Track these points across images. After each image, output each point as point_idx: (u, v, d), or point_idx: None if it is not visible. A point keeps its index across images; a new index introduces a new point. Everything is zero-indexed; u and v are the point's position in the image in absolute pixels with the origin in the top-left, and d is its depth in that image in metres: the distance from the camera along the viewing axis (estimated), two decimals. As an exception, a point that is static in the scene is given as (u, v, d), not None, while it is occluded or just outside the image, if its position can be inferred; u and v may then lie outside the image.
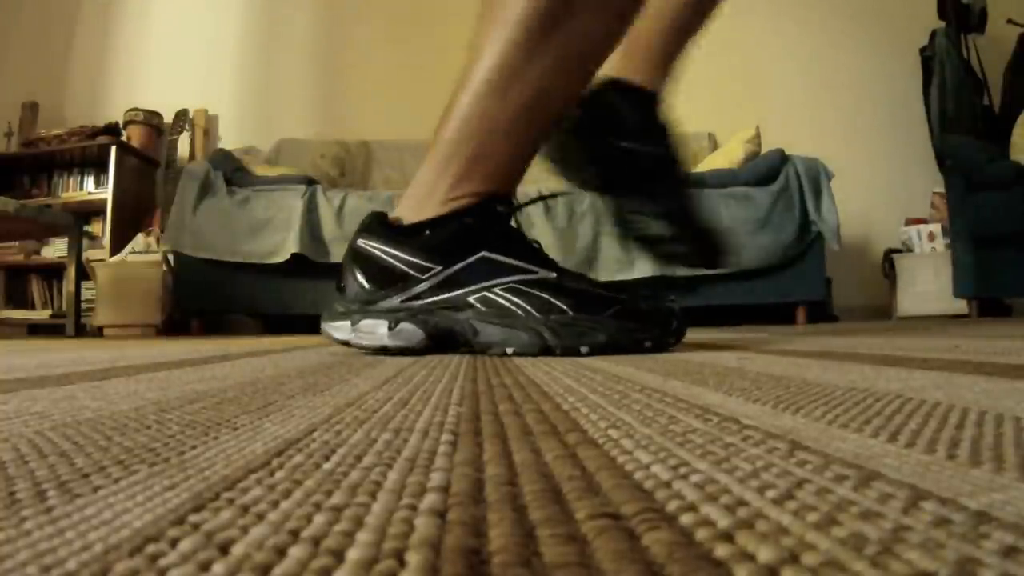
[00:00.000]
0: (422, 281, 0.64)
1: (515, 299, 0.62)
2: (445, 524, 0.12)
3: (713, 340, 0.86)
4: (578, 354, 0.59)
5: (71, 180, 3.18)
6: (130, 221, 2.96)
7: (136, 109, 3.16)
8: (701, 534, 0.11)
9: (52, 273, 3.08)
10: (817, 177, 2.36)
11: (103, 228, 2.97)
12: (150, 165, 3.19)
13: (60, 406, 0.29)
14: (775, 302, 2.37)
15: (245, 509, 0.13)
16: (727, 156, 2.62)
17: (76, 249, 2.45)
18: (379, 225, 0.67)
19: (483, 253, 0.63)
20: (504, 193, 0.67)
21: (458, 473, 0.15)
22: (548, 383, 0.35)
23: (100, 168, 3.08)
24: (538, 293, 0.61)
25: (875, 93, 3.22)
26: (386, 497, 0.14)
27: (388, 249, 0.65)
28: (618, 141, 0.81)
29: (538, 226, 2.28)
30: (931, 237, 2.74)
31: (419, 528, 0.11)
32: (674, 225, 0.83)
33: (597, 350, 0.59)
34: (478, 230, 0.64)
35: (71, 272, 2.43)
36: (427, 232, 0.64)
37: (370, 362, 0.56)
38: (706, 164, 2.69)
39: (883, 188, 3.11)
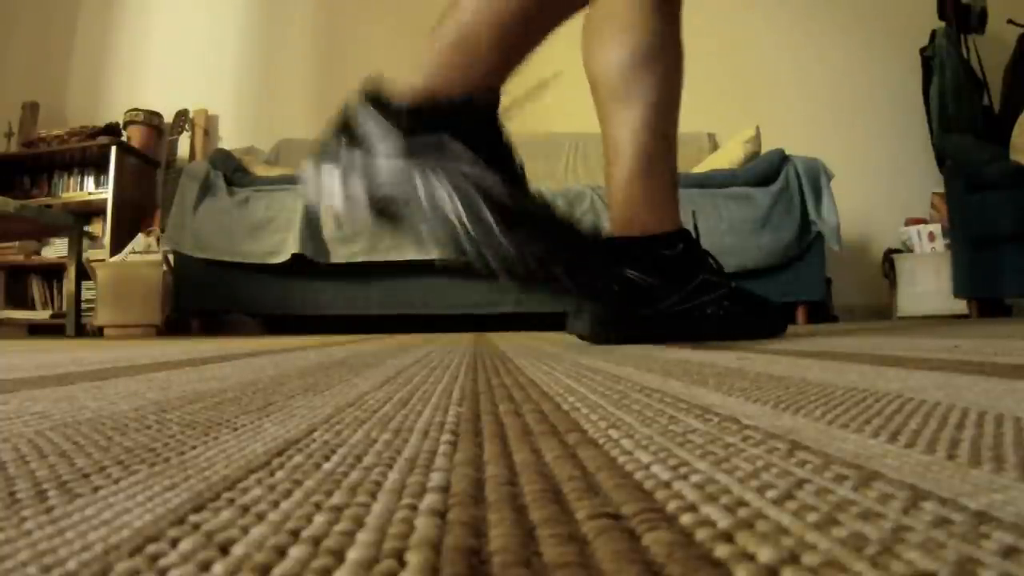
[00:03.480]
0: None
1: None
2: (445, 524, 0.12)
3: (713, 340, 0.86)
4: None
5: (71, 180, 3.18)
6: (130, 221, 2.96)
7: (136, 109, 3.16)
8: (701, 534, 0.11)
9: (52, 273, 3.08)
10: (817, 177, 2.36)
11: (103, 228, 2.97)
12: (150, 165, 3.18)
13: (60, 406, 0.29)
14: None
15: (245, 509, 0.13)
16: (727, 156, 2.62)
17: (76, 249, 2.45)
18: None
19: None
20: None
21: (458, 473, 0.15)
22: (548, 383, 0.35)
23: (100, 168, 3.07)
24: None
25: (875, 93, 3.22)
26: (386, 497, 0.14)
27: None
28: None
29: (538, 226, 2.28)
30: (931, 237, 2.74)
31: (419, 528, 0.11)
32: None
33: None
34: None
35: (71, 272, 2.43)
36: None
37: (370, 362, 0.56)
38: (706, 164, 2.69)
39: (883, 188, 3.11)
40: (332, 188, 0.64)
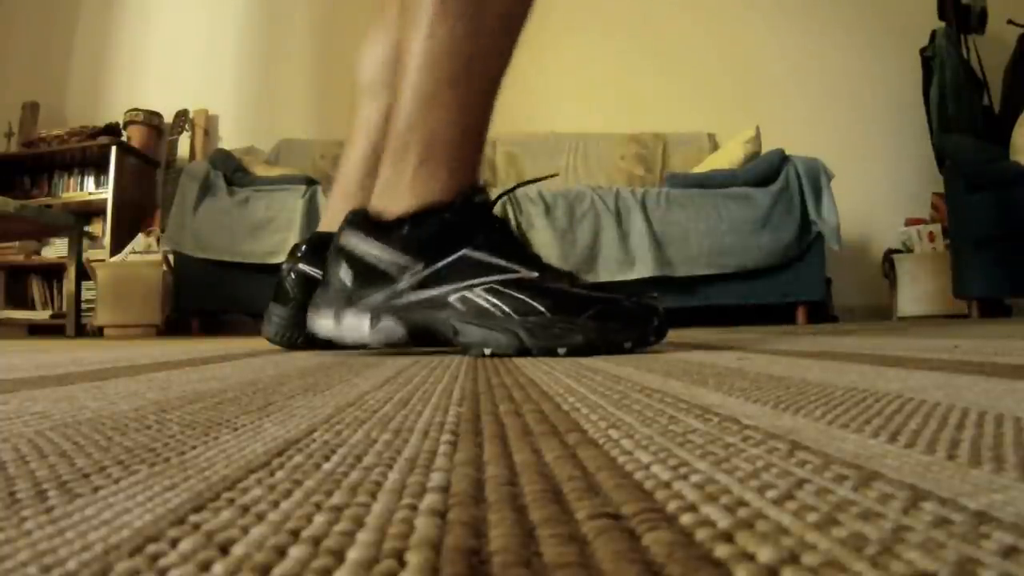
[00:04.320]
0: (404, 279, 0.64)
1: (493, 300, 0.62)
2: (445, 524, 0.12)
3: (713, 340, 0.86)
4: (555, 355, 0.59)
5: (71, 180, 3.18)
6: (130, 221, 2.96)
7: (136, 109, 3.16)
8: (701, 534, 0.11)
9: (52, 273, 3.08)
10: (817, 177, 2.36)
11: (103, 228, 2.97)
12: (150, 165, 3.19)
13: (60, 406, 0.29)
14: (775, 302, 2.37)
15: (245, 509, 0.13)
16: (727, 156, 2.62)
17: (76, 249, 2.45)
18: (363, 221, 0.68)
19: (464, 251, 0.64)
20: (472, 180, 0.68)
21: (458, 473, 0.15)
22: (548, 383, 0.35)
23: (100, 168, 3.08)
24: (516, 294, 0.62)
25: (875, 93, 3.22)
26: (386, 497, 0.14)
27: (371, 247, 0.66)
28: None
29: (538, 226, 2.28)
30: (931, 237, 2.74)
31: (419, 528, 0.11)
32: None
33: (574, 351, 0.59)
34: (460, 226, 0.65)
35: (71, 272, 2.43)
36: (408, 228, 0.65)
37: (370, 363, 0.56)
38: (706, 164, 2.69)
39: (883, 188, 3.11)
40: (362, 332, 0.64)
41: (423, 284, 0.64)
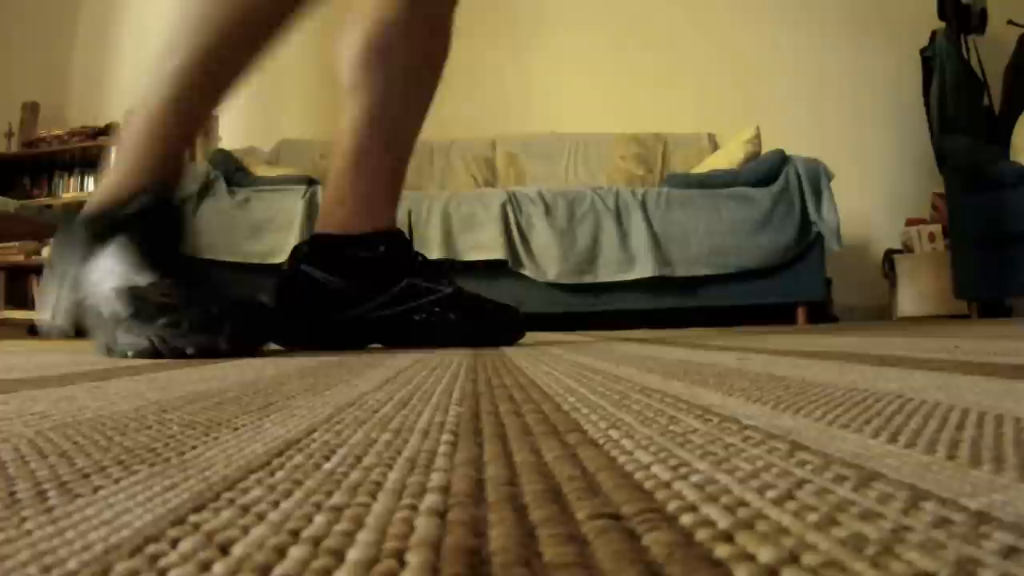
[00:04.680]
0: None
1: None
2: (445, 524, 0.12)
3: (713, 340, 0.86)
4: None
5: (72, 180, 3.18)
6: (130, 221, 2.96)
7: (136, 109, 3.16)
8: (701, 534, 0.11)
9: (52, 273, 3.07)
10: (817, 178, 2.36)
11: (103, 228, 2.97)
12: (150, 165, 3.18)
13: (60, 406, 0.29)
14: (775, 302, 2.37)
15: (245, 509, 0.13)
16: (727, 156, 2.62)
17: (76, 249, 2.45)
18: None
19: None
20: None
21: (458, 473, 0.15)
22: (548, 383, 0.35)
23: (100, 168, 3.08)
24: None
25: (875, 93, 3.22)
26: (386, 497, 0.14)
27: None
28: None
29: (538, 227, 2.28)
30: (931, 237, 2.74)
31: (419, 528, 0.11)
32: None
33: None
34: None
35: (71, 272, 2.43)
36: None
37: (370, 363, 0.56)
38: (706, 165, 2.69)
39: (883, 188, 3.11)
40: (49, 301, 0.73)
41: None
